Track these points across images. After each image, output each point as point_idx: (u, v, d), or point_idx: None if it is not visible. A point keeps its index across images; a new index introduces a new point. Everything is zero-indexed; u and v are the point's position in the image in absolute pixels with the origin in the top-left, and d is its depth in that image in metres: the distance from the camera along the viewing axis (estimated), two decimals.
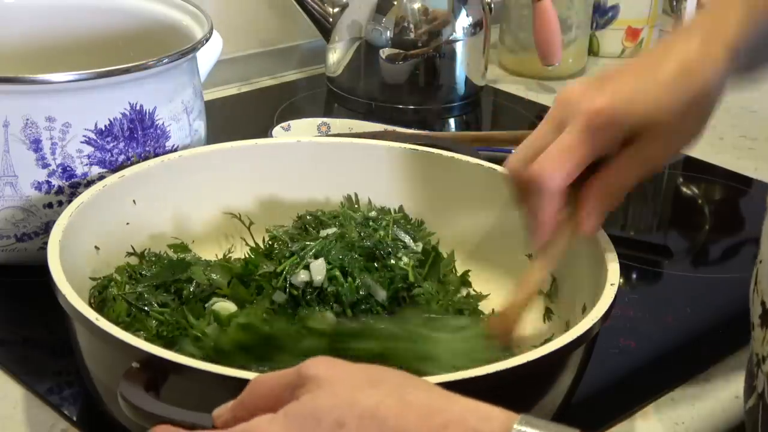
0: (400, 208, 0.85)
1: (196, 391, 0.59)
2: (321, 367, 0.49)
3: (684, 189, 1.15)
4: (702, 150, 1.17)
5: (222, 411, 0.52)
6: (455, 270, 0.82)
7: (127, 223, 0.80)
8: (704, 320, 0.87)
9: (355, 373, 0.49)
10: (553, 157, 0.65)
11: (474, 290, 0.82)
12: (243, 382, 0.57)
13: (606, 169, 0.67)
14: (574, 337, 0.63)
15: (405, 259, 0.76)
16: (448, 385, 0.57)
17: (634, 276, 0.94)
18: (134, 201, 0.80)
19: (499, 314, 0.72)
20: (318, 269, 0.72)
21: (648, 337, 0.84)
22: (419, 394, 0.47)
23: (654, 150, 0.66)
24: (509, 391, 0.62)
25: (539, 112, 1.29)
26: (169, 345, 0.68)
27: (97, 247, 0.77)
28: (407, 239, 0.79)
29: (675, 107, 0.65)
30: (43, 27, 0.99)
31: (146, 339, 0.68)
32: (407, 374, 0.49)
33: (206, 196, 0.84)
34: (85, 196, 0.76)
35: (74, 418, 0.71)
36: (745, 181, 1.13)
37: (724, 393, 0.78)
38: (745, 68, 0.68)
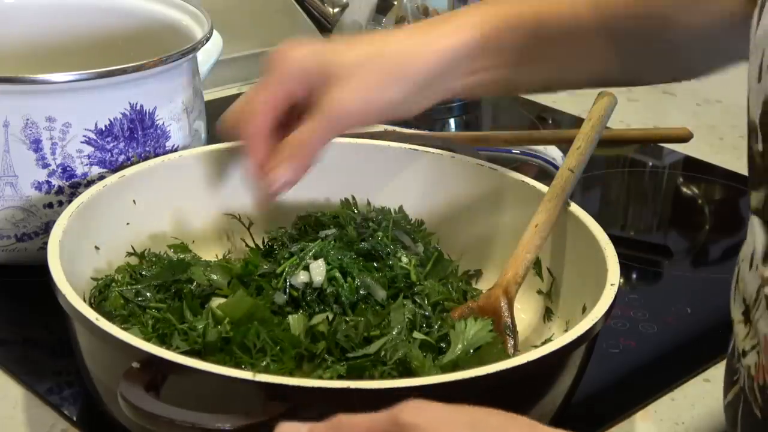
0: (400, 209, 0.85)
1: (196, 391, 0.59)
2: (416, 413, 0.46)
3: (684, 189, 1.15)
4: (702, 150, 1.17)
5: None
6: (455, 271, 0.82)
7: (127, 223, 0.80)
8: (704, 320, 0.87)
9: (454, 418, 0.47)
10: (252, 108, 0.73)
11: (474, 291, 0.82)
12: (243, 382, 0.57)
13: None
14: (574, 337, 0.63)
15: (405, 259, 0.76)
16: (449, 386, 0.58)
17: (634, 276, 0.94)
18: (134, 201, 0.80)
19: (495, 288, 0.73)
20: (318, 270, 0.72)
21: (648, 337, 0.84)
22: None
23: (334, 94, 0.72)
24: (509, 391, 0.62)
25: (539, 112, 1.29)
26: (165, 342, 0.68)
27: (97, 247, 0.77)
28: (406, 240, 0.79)
29: (359, 62, 0.72)
30: (43, 27, 0.99)
31: (142, 334, 0.68)
32: (507, 414, 0.47)
33: (206, 196, 0.84)
34: (85, 196, 0.76)
35: (74, 418, 0.71)
36: (745, 181, 1.12)
37: None
38: (468, 74, 0.75)
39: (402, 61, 0.74)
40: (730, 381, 0.65)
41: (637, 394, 0.77)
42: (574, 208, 0.78)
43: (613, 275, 0.70)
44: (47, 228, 0.79)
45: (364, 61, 0.73)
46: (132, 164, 0.82)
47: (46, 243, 0.69)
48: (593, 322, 0.65)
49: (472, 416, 0.47)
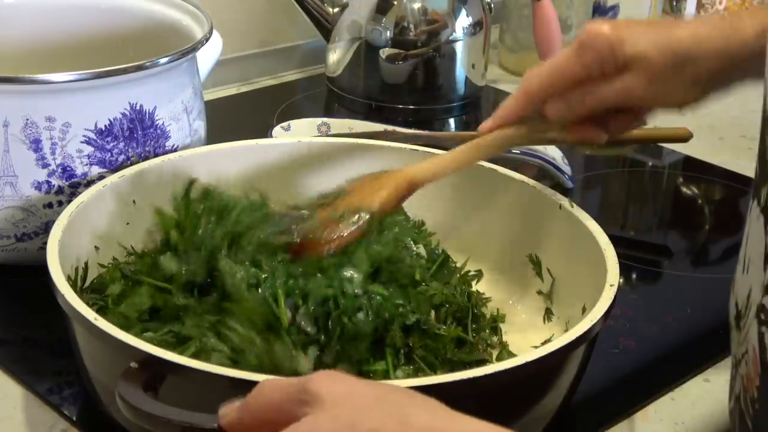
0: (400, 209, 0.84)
1: (194, 391, 0.59)
2: (325, 384, 0.48)
3: (684, 189, 1.15)
4: (702, 150, 1.17)
5: (228, 411, 0.52)
6: (456, 271, 0.82)
7: (127, 223, 0.80)
8: (704, 320, 0.87)
9: (359, 392, 0.49)
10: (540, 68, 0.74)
11: (474, 291, 0.82)
12: (242, 382, 0.57)
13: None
14: (574, 337, 0.63)
15: (408, 260, 0.76)
16: (449, 386, 0.58)
17: (634, 276, 0.94)
18: (134, 201, 0.80)
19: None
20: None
21: (648, 337, 0.84)
22: (423, 415, 0.47)
23: (636, 83, 0.71)
24: (510, 391, 0.62)
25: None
26: (163, 315, 0.68)
27: (97, 247, 0.77)
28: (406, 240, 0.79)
29: (668, 54, 0.70)
30: (43, 27, 0.99)
31: (141, 311, 0.68)
32: (414, 393, 0.49)
33: None
34: (85, 196, 0.76)
35: (74, 418, 0.71)
36: (745, 181, 1.13)
37: (724, 393, 0.77)
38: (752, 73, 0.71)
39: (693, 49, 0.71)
40: (731, 387, 0.65)
41: (637, 394, 0.77)
42: (574, 208, 0.78)
43: (613, 275, 0.70)
44: (47, 228, 0.79)
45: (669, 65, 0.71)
46: (132, 164, 0.82)
47: (46, 243, 0.69)
48: (593, 323, 0.65)
49: (377, 391, 0.49)
